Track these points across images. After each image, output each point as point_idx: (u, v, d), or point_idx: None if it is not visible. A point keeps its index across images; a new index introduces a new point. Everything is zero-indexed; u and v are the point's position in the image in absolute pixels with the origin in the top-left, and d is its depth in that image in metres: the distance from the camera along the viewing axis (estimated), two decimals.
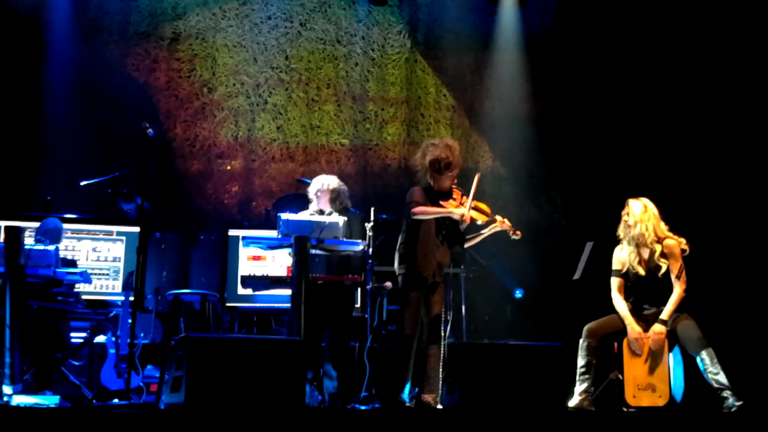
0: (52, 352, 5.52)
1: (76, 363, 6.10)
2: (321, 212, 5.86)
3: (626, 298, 5.54)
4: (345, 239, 5.47)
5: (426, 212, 5.22)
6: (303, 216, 5.66)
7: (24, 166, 8.11)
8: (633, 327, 5.39)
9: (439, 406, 5.11)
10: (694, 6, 7.72)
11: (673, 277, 5.41)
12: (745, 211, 7.10)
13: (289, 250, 5.34)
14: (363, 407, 5.41)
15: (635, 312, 5.48)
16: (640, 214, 5.51)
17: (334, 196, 5.90)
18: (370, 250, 6.04)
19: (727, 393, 5.02)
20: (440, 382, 5.16)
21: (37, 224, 5.87)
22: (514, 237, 5.36)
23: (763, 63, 7.22)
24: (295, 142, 8.90)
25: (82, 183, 7.52)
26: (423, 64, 9.29)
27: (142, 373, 5.88)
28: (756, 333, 6.72)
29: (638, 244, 5.51)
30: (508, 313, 8.42)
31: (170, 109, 8.67)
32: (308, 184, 6.16)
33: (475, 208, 5.31)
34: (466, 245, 5.49)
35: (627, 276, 5.56)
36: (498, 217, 5.36)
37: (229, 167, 8.72)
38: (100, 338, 6.09)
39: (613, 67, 8.39)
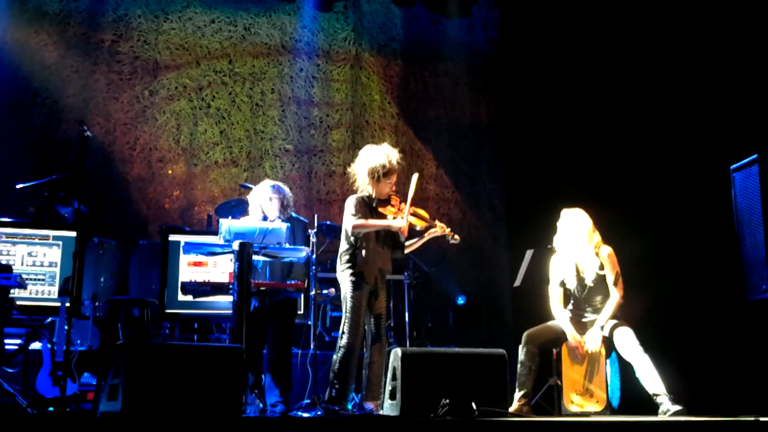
0: None
1: (10, 370, 5.94)
2: (265, 218, 5.81)
3: (565, 307, 5.64)
4: (288, 246, 5.44)
5: (365, 226, 5.23)
6: (246, 222, 5.61)
7: None
8: (574, 336, 5.49)
9: (381, 412, 5.11)
10: (629, 14, 7.88)
11: (609, 284, 5.52)
12: (686, 220, 7.27)
13: (231, 256, 5.29)
14: (305, 414, 5.38)
15: (574, 320, 5.58)
16: (575, 225, 5.62)
17: (286, 204, 5.87)
18: (314, 256, 6.02)
19: (662, 398, 5.13)
20: (383, 389, 5.16)
21: None
22: (452, 241, 5.40)
23: (701, 68, 7.41)
24: (238, 146, 8.83)
25: (18, 186, 7.32)
26: (368, 71, 9.32)
27: (79, 381, 5.75)
28: (695, 340, 6.88)
29: (573, 253, 5.61)
30: (450, 319, 8.48)
31: (110, 112, 8.52)
32: (251, 190, 6.09)
33: (414, 214, 5.33)
34: (407, 251, 5.53)
35: (564, 285, 5.66)
36: (437, 222, 5.40)
37: (170, 171, 8.59)
38: (36, 345, 5.93)
39: (555, 76, 8.52)
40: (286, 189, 5.92)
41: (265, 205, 5.80)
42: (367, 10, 9.41)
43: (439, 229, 5.37)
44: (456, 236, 5.40)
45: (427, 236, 5.43)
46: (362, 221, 5.22)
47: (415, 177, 5.39)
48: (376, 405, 5.19)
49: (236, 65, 8.96)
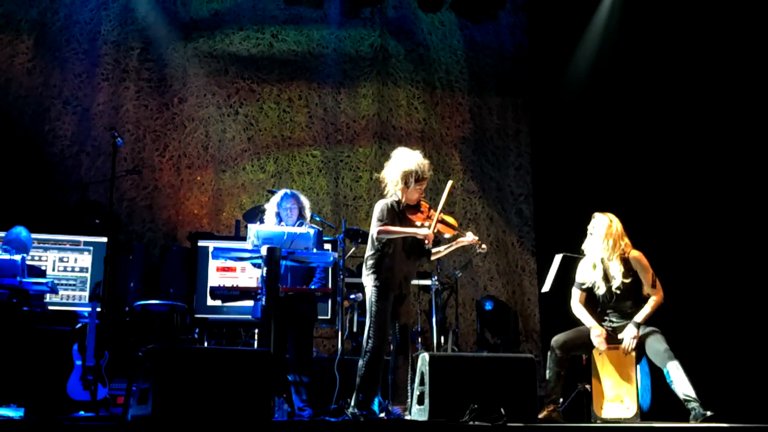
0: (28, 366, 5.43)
1: None
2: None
3: (592, 312, 5.59)
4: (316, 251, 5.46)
5: (390, 232, 5.20)
6: (274, 226, 5.63)
7: None
8: (595, 326, 5.45)
9: (408, 417, 5.10)
10: (658, 18, 7.83)
11: (647, 287, 5.47)
12: (711, 224, 7.20)
13: (257, 261, 5.30)
14: (333, 419, 5.38)
15: (602, 327, 5.53)
16: (606, 229, 5.56)
17: (304, 213, 5.89)
18: (342, 261, 6.03)
19: (693, 404, 5.07)
20: (409, 393, 5.15)
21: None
22: (480, 250, 5.34)
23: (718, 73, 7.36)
24: (266, 153, 8.87)
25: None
26: (394, 77, 9.32)
27: (109, 385, 5.81)
28: (724, 345, 6.80)
29: (603, 258, 5.56)
30: (478, 325, 8.45)
31: (140, 119, 8.61)
32: None
33: (442, 221, 5.29)
34: (433, 258, 5.50)
35: (592, 290, 5.62)
36: (465, 231, 5.37)
37: (199, 178, 8.66)
38: None
39: (582, 80, 8.50)
40: (302, 196, 5.94)
41: (283, 214, 5.81)
42: (394, 16, 9.42)
43: (467, 239, 5.34)
44: (483, 245, 5.35)
45: (454, 244, 5.40)
46: (388, 227, 5.21)
47: (448, 184, 5.37)
48: (403, 410, 5.18)
49: (264, 72, 9.01)
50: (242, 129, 8.86)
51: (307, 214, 5.92)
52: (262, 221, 5.89)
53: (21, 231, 5.91)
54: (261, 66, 9.02)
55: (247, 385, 4.32)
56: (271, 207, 5.89)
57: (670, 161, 7.57)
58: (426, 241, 5.20)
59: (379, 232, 5.19)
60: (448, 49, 9.48)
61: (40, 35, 8.49)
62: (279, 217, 5.82)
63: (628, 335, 5.38)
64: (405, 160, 5.33)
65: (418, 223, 5.28)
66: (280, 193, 5.90)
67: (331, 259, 5.53)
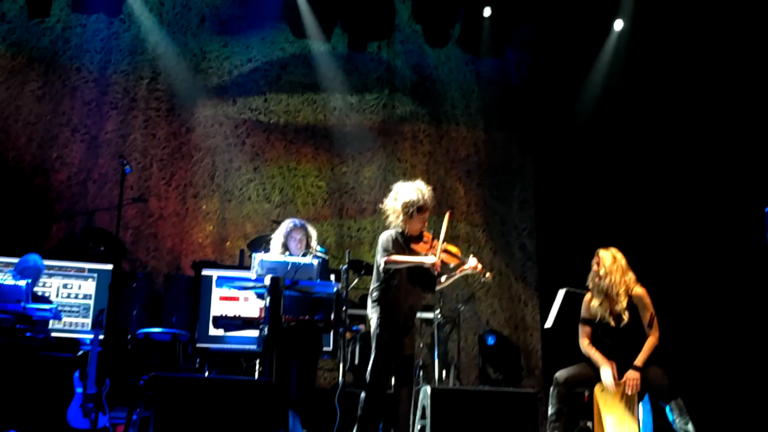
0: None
1: None
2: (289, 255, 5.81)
3: (596, 348, 5.56)
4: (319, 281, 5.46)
5: (397, 262, 5.22)
6: (279, 256, 5.63)
7: None
8: (606, 366, 5.40)
9: None
10: (660, 55, 7.91)
11: (645, 325, 5.45)
12: (717, 260, 7.20)
13: (260, 290, 5.30)
14: None
15: None
16: (609, 265, 5.55)
17: (311, 242, 5.88)
18: (345, 293, 6.03)
19: None
20: (411, 427, 5.13)
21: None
22: (484, 279, 5.36)
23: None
24: (271, 183, 8.91)
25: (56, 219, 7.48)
26: (401, 110, 9.39)
27: (110, 413, 5.79)
28: (726, 382, 6.77)
29: (607, 294, 5.54)
30: (480, 359, 8.42)
31: (147, 148, 8.66)
32: None
33: (446, 251, 5.31)
34: (438, 287, 5.50)
35: (596, 326, 5.59)
36: (468, 259, 5.38)
37: (204, 207, 8.69)
38: None
39: (586, 117, 8.55)
40: (310, 226, 5.94)
41: (291, 244, 5.80)
42: (401, 50, 9.51)
43: (471, 267, 5.34)
44: (488, 273, 5.37)
45: (458, 273, 5.40)
46: (394, 257, 5.22)
47: (447, 214, 5.40)
48: None
49: (271, 103, 9.09)
50: (248, 159, 8.91)
51: (314, 244, 5.92)
52: (267, 250, 5.89)
53: (37, 259, 5.95)
54: (268, 98, 9.09)
55: (248, 416, 4.32)
56: (277, 236, 5.87)
57: (673, 197, 7.60)
58: (433, 270, 5.20)
59: (386, 263, 5.20)
60: (454, 84, 9.56)
61: (51, 63, 8.57)
62: (285, 247, 5.81)
63: (630, 379, 5.34)
64: (406, 191, 5.36)
65: (422, 253, 5.29)
66: (288, 222, 5.88)
67: (334, 290, 5.52)
